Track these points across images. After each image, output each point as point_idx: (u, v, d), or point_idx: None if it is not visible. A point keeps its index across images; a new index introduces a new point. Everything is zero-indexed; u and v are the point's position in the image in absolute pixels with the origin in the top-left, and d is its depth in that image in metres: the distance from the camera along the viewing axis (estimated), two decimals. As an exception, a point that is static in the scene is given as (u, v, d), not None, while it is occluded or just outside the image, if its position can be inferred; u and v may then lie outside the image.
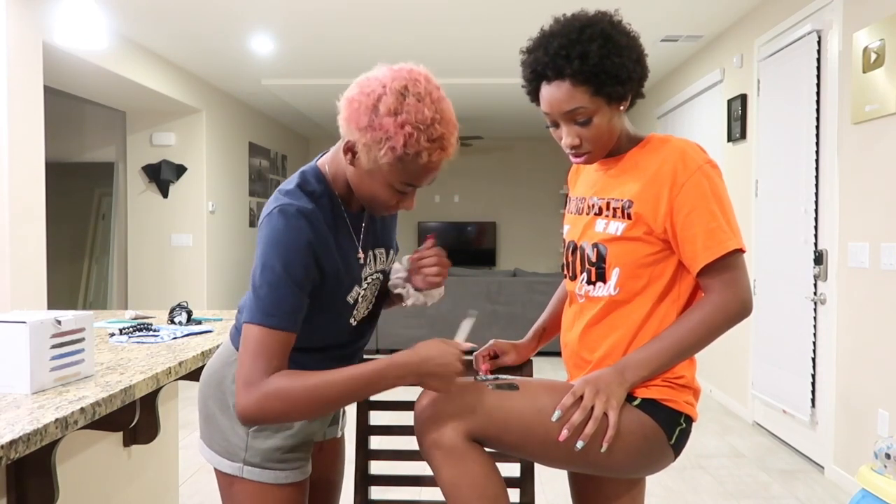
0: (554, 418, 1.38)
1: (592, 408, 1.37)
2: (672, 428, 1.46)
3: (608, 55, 1.37)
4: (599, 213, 1.52)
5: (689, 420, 1.50)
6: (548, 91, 1.42)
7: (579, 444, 1.35)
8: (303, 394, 1.28)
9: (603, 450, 1.36)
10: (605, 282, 1.48)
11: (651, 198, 1.43)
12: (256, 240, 1.36)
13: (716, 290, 1.41)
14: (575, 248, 1.56)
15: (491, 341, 1.70)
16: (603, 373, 1.41)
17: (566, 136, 1.44)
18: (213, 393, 1.49)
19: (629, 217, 1.45)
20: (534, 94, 1.49)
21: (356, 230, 1.46)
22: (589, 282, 1.52)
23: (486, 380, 1.47)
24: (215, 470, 1.50)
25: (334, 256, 1.38)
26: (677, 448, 1.49)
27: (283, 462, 1.47)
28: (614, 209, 1.48)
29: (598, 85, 1.38)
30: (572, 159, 1.49)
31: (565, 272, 1.62)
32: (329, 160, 1.45)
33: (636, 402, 1.46)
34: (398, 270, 1.56)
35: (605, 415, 1.38)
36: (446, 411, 1.38)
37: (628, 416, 1.43)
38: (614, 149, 1.53)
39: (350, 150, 1.34)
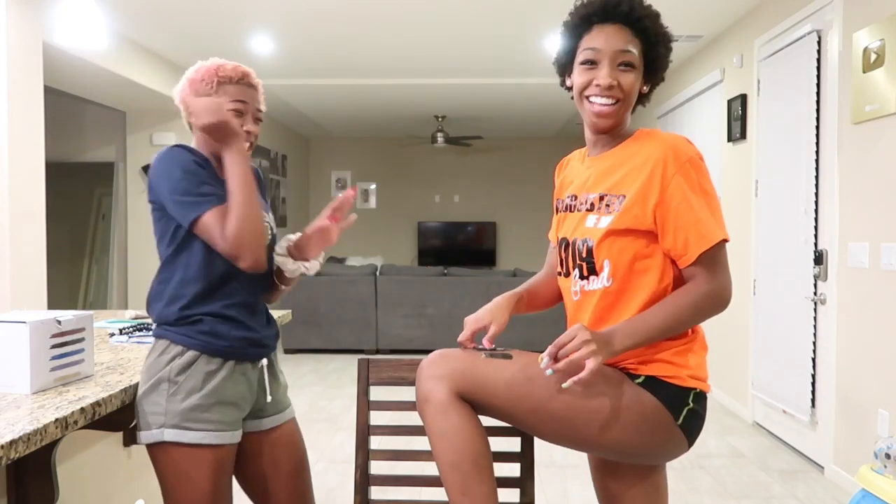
0: (542, 365, 1.41)
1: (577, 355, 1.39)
2: (678, 408, 1.47)
3: (661, 25, 1.54)
4: (591, 209, 1.54)
5: (700, 398, 1.50)
6: (606, 29, 1.52)
7: (549, 371, 1.39)
8: (237, 213, 1.54)
9: (564, 385, 1.38)
10: (597, 275, 1.51)
11: (641, 189, 1.46)
12: (150, 187, 1.63)
13: (705, 278, 1.46)
14: (567, 245, 1.59)
15: (468, 323, 1.63)
16: (595, 332, 1.42)
17: (606, 76, 1.50)
18: (146, 378, 1.61)
19: (618, 210, 1.48)
20: (576, 37, 1.55)
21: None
22: (581, 276, 1.55)
23: (482, 349, 1.53)
24: (147, 450, 1.62)
25: (210, 176, 1.63)
26: (689, 430, 1.48)
27: (199, 422, 1.58)
28: (607, 204, 1.51)
29: (648, 44, 1.52)
30: (596, 108, 1.52)
31: (558, 269, 1.65)
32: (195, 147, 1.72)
33: (639, 381, 1.48)
34: (283, 244, 1.77)
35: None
36: (441, 371, 1.47)
37: (627, 393, 1.45)
38: (611, 137, 1.58)
39: (190, 113, 1.65)
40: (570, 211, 1.62)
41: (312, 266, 1.77)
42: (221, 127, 1.58)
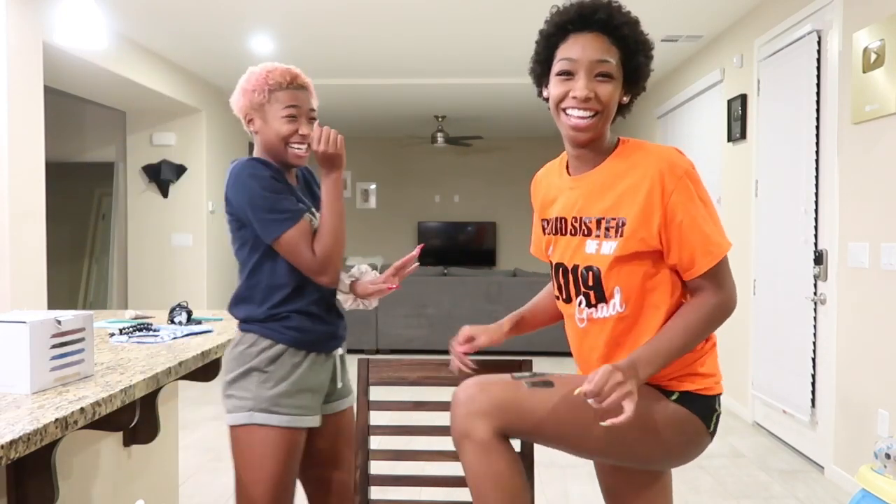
0: (575, 392, 1.38)
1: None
2: (710, 416, 1.51)
3: (641, 33, 1.48)
4: (589, 234, 1.50)
5: (720, 398, 1.55)
6: (582, 38, 1.45)
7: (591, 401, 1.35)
8: (329, 236, 1.73)
9: (604, 424, 1.35)
10: (606, 302, 1.49)
11: (642, 211, 1.43)
12: (227, 200, 1.75)
13: (712, 291, 1.46)
14: (567, 271, 1.55)
15: (464, 328, 1.70)
16: (621, 365, 1.37)
17: (583, 88, 1.43)
18: (235, 366, 1.78)
19: (622, 235, 1.45)
20: (552, 47, 1.48)
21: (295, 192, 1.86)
22: (589, 305, 1.52)
23: (523, 377, 1.50)
24: (231, 431, 1.77)
25: (286, 186, 1.77)
26: (714, 432, 1.54)
27: (286, 407, 1.75)
28: (606, 228, 1.47)
29: (628, 52, 1.45)
30: (573, 121, 1.45)
31: (557, 294, 1.61)
32: (258, 155, 1.83)
33: (674, 397, 1.49)
34: (346, 281, 1.89)
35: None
36: (481, 406, 1.43)
37: (663, 412, 1.47)
38: (594, 153, 1.51)
39: (249, 122, 1.81)
40: (562, 234, 1.57)
41: (371, 304, 1.93)
42: (333, 159, 1.74)
